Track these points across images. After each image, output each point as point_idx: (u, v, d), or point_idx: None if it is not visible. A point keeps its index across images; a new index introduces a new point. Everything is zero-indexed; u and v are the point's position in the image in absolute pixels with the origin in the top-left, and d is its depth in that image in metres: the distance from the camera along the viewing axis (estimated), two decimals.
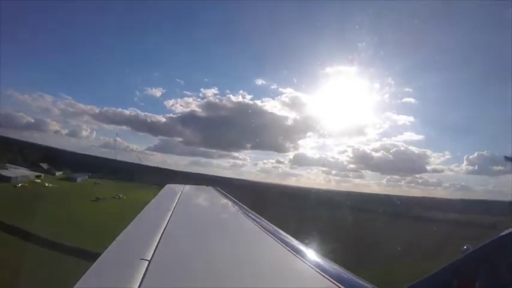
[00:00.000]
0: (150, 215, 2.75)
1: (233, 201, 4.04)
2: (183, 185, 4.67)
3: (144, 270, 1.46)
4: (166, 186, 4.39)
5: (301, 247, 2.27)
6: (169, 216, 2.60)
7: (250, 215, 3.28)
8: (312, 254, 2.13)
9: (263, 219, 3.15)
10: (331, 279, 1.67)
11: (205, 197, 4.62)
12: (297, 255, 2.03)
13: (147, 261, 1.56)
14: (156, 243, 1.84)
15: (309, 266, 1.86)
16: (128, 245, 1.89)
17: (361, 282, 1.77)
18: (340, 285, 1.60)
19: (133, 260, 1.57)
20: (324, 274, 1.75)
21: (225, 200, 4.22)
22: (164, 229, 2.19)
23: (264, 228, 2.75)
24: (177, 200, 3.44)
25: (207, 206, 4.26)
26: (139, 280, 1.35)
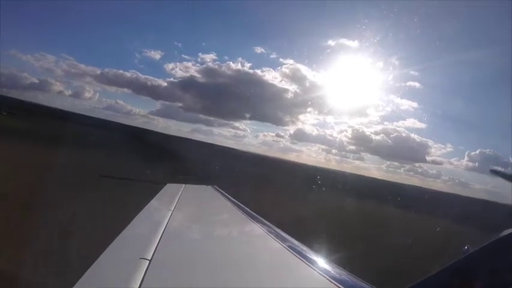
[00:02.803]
0: (150, 214, 2.76)
1: (233, 201, 4.04)
2: (183, 185, 4.68)
3: (144, 269, 1.46)
4: (166, 186, 4.39)
5: (302, 247, 2.28)
6: (169, 215, 2.60)
7: (250, 214, 3.28)
8: (312, 254, 2.13)
9: (263, 219, 3.15)
10: (332, 280, 1.67)
11: (205, 197, 4.62)
12: (297, 256, 2.03)
13: (148, 261, 1.56)
14: (156, 243, 1.84)
15: (309, 266, 1.87)
16: (127, 245, 1.89)
17: (361, 283, 1.77)
18: (341, 287, 1.60)
19: (133, 259, 1.57)
20: (324, 274, 1.75)
21: (225, 200, 4.22)
22: (164, 228, 2.19)
23: (264, 228, 2.75)
24: (177, 200, 3.44)
25: (207, 205, 4.26)
26: (140, 280, 1.35)
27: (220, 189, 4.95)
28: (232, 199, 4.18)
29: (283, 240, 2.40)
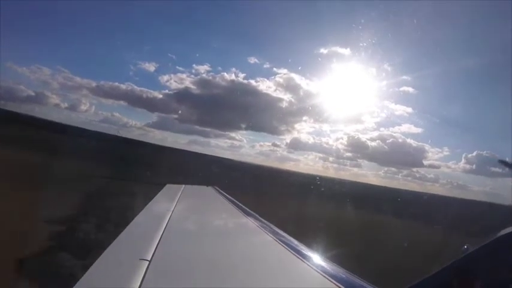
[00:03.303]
0: (150, 215, 2.76)
1: (233, 202, 4.04)
2: (183, 185, 4.68)
3: (144, 270, 1.46)
4: (166, 186, 4.39)
5: (302, 247, 2.28)
6: (169, 216, 2.60)
7: (250, 215, 3.28)
8: (312, 254, 2.13)
9: (263, 219, 3.15)
10: (333, 280, 1.67)
11: (205, 197, 4.62)
12: (297, 256, 2.03)
13: (147, 261, 1.56)
14: (156, 243, 1.84)
15: (310, 266, 1.86)
16: (127, 245, 1.89)
17: (360, 282, 1.77)
18: (341, 286, 1.60)
19: (133, 260, 1.57)
20: (324, 275, 1.75)
21: (225, 200, 4.22)
22: (164, 229, 2.19)
23: (264, 228, 2.75)
24: (176, 200, 3.44)
25: (207, 206, 4.26)
26: (140, 280, 1.35)
27: (220, 190, 4.95)
28: (232, 199, 4.18)
29: (283, 240, 2.40)
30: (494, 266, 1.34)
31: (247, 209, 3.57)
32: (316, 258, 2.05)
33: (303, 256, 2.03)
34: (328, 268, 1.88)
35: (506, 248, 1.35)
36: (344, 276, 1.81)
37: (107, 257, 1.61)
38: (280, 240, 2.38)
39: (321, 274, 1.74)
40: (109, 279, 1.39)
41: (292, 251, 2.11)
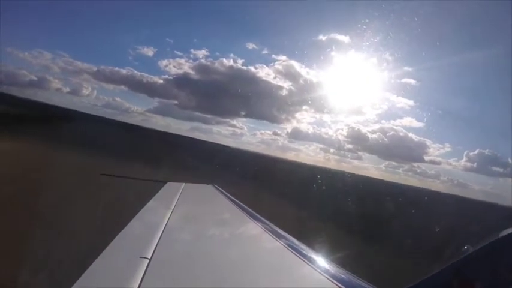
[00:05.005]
0: (150, 213, 2.76)
1: (234, 200, 4.04)
2: (183, 183, 4.68)
3: (144, 268, 1.46)
4: (166, 184, 4.39)
5: (302, 247, 2.28)
6: (169, 214, 2.61)
7: (251, 214, 3.29)
8: (313, 254, 2.13)
9: (264, 218, 3.15)
10: (332, 279, 1.67)
11: (206, 196, 4.63)
12: (298, 255, 2.03)
13: (148, 260, 1.57)
14: (156, 242, 1.85)
15: (311, 266, 1.87)
16: (127, 243, 1.89)
17: (361, 282, 1.77)
18: (341, 286, 1.60)
19: (133, 258, 1.57)
20: (324, 274, 1.75)
21: (226, 199, 4.22)
22: (164, 227, 2.19)
23: (265, 227, 2.75)
24: (177, 198, 3.44)
25: (208, 204, 4.26)
26: (140, 278, 1.36)
27: (220, 188, 4.95)
28: (233, 198, 4.18)
29: (283, 239, 2.40)
30: (494, 267, 1.33)
31: (248, 208, 3.57)
32: (318, 259, 2.05)
33: (304, 256, 2.03)
34: (329, 269, 1.88)
35: (506, 249, 1.34)
36: (345, 276, 1.82)
37: (107, 255, 1.61)
38: (281, 239, 2.38)
39: (322, 275, 1.74)
40: (109, 277, 1.40)
41: (292, 251, 2.11)
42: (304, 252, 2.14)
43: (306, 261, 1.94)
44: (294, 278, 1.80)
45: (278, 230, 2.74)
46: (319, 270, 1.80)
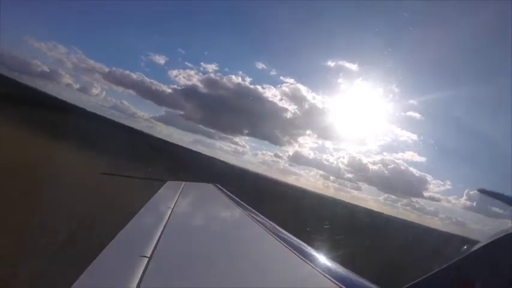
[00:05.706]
0: (150, 212, 2.76)
1: (235, 199, 4.04)
2: (184, 182, 4.68)
3: (144, 267, 1.46)
4: (166, 183, 4.39)
5: (303, 246, 2.28)
6: (169, 213, 2.60)
7: (251, 213, 3.29)
8: (314, 254, 2.13)
9: (265, 217, 3.15)
10: (333, 279, 1.67)
11: (206, 195, 4.63)
12: (298, 254, 2.03)
13: (147, 258, 1.56)
14: (156, 240, 1.85)
15: (312, 266, 1.86)
16: (127, 242, 1.89)
17: (362, 281, 1.77)
18: (342, 286, 1.60)
19: (133, 257, 1.57)
20: (325, 273, 1.75)
21: (226, 198, 4.22)
22: (164, 226, 2.19)
23: (265, 227, 2.75)
24: (177, 197, 3.44)
25: (208, 203, 4.27)
26: (139, 277, 1.36)
27: (220, 187, 4.96)
28: (233, 197, 4.18)
29: (284, 238, 2.40)
30: (494, 266, 1.33)
31: (249, 207, 3.57)
32: (319, 259, 2.05)
33: (305, 255, 2.03)
34: (331, 268, 1.88)
35: (506, 249, 1.34)
36: (346, 275, 1.81)
37: (107, 254, 1.61)
38: (281, 238, 2.38)
39: (323, 274, 1.74)
40: (109, 275, 1.40)
41: (293, 250, 2.11)
42: (304, 251, 2.14)
43: (306, 260, 1.94)
44: (294, 277, 1.80)
45: (278, 229, 2.74)
46: (319, 269, 1.80)
